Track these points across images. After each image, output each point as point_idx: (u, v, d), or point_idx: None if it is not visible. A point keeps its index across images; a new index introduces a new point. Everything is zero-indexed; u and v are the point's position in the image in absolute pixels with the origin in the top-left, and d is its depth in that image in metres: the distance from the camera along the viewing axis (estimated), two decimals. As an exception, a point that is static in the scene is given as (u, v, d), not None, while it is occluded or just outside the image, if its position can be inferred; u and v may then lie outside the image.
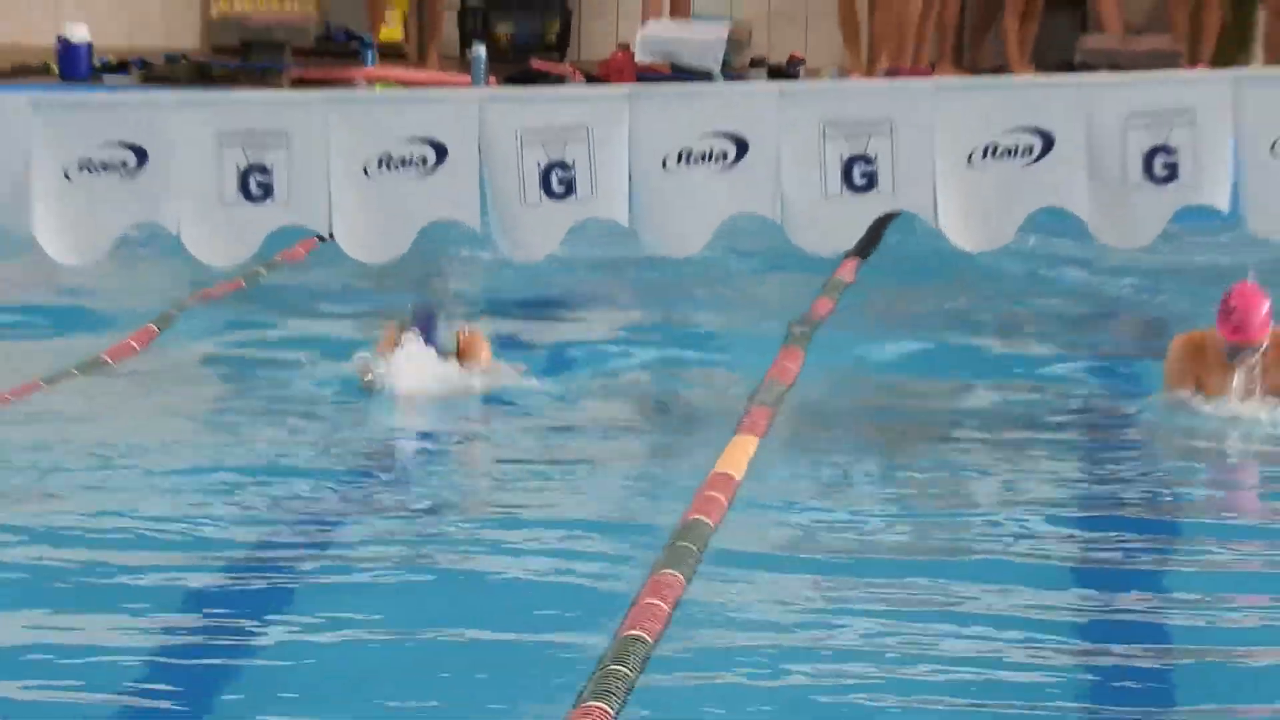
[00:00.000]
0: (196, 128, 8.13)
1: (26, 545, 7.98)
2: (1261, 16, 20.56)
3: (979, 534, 8.24)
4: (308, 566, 7.77)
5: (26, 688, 6.55)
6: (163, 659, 6.92)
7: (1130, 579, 7.73)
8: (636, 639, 6.38)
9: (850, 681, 6.64)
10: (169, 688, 6.68)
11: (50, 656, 6.83)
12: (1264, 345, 9.75)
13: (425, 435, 10.09)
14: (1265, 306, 9.68)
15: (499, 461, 9.50)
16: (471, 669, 6.80)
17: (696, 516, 7.68)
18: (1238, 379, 9.85)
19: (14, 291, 12.69)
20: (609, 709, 5.76)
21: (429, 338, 10.21)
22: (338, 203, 8.11)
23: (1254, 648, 6.91)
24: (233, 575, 7.72)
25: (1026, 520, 8.43)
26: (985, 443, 9.93)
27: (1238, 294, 9.69)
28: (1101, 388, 10.72)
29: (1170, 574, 7.79)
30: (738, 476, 8.50)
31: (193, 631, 7.20)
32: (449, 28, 21.80)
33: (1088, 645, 7.03)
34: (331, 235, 8.20)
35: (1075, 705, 6.51)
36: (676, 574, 7.02)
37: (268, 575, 7.74)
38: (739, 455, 8.97)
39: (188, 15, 21.77)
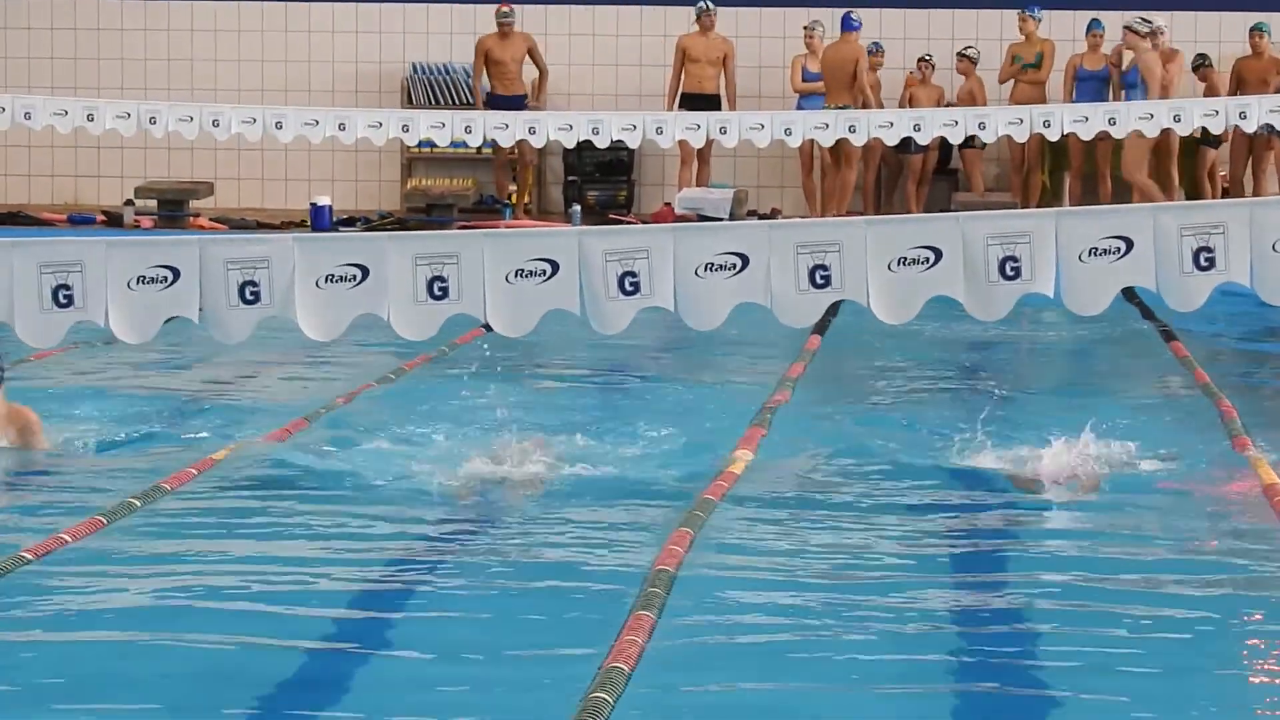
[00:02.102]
0: (399, 254, 8.01)
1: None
2: (1066, 180, 20.67)
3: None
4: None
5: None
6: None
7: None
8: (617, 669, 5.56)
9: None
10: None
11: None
12: None
13: None
14: None
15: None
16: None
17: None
18: None
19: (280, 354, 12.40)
20: None
21: None
22: (490, 300, 7.97)
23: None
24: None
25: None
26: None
27: None
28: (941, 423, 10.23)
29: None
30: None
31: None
32: (555, 195, 21.79)
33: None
34: (488, 324, 8.08)
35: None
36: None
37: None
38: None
39: (392, 188, 21.82)
